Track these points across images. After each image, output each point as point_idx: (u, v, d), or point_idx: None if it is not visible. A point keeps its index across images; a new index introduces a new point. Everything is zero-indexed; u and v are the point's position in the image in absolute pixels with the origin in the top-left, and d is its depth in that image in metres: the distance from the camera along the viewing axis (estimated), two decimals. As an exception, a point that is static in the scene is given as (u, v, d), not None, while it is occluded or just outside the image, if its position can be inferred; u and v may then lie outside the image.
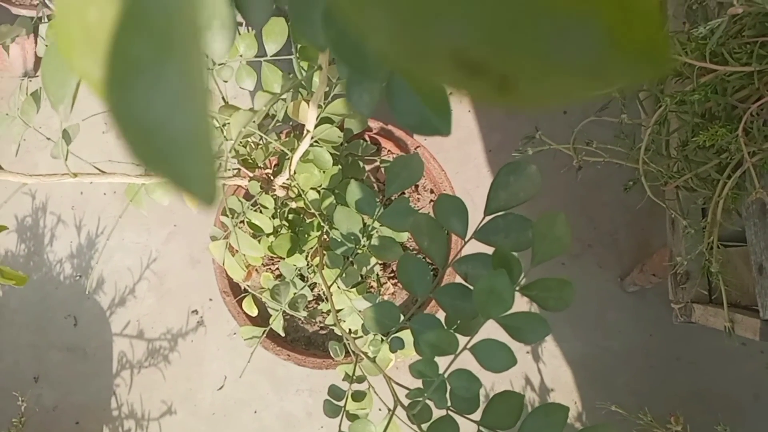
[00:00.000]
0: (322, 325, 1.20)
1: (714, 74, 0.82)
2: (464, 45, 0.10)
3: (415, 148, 1.18)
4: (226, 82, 0.78)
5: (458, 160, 1.53)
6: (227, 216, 0.77)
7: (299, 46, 0.66)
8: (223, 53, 0.40)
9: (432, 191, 1.23)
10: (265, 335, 1.11)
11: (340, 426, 0.64)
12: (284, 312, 0.88)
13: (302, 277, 1.00)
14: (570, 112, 1.54)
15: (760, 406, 1.36)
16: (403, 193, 1.23)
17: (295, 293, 0.83)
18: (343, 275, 0.82)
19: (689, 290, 0.97)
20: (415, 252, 1.18)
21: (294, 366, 1.16)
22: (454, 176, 1.53)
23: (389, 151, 1.20)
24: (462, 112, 1.58)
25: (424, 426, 0.60)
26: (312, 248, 0.93)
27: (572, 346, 1.44)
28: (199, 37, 0.13)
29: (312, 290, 1.18)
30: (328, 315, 0.97)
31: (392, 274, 1.20)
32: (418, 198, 1.23)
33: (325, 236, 0.86)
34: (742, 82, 0.80)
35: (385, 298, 1.18)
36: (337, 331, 1.00)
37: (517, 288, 0.51)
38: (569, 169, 1.32)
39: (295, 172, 0.80)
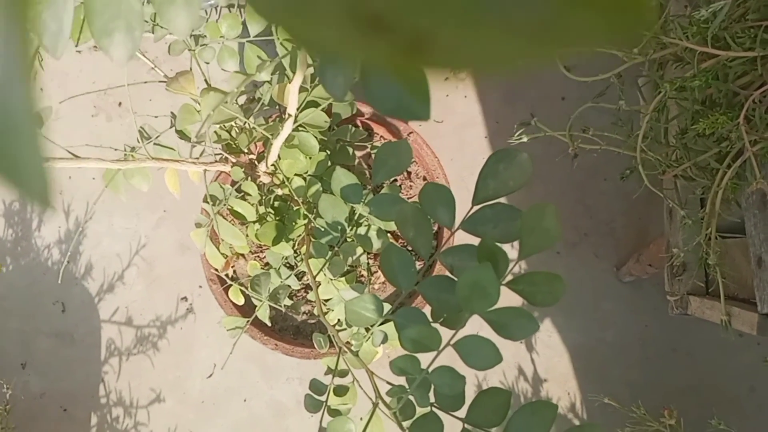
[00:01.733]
0: (311, 314, 1.18)
1: (716, 60, 0.79)
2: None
3: (408, 134, 1.15)
4: (207, 63, 0.75)
5: (454, 147, 1.50)
6: (208, 203, 0.74)
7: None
8: (186, 30, 0.37)
9: (425, 178, 1.20)
10: (251, 324, 1.09)
11: (321, 422, 0.62)
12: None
13: (289, 266, 0.97)
14: (568, 99, 1.51)
15: (757, 399, 1.34)
16: (396, 180, 1.20)
17: (274, 285, 0.80)
18: (329, 265, 0.80)
19: (686, 282, 0.95)
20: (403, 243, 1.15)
21: (284, 355, 1.13)
22: (450, 163, 1.50)
23: (381, 136, 1.17)
24: (458, 97, 1.55)
25: (407, 423, 0.58)
26: (299, 236, 0.91)
27: (567, 336, 1.42)
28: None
29: (300, 279, 1.15)
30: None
31: (383, 263, 1.17)
32: (411, 185, 1.20)
33: (312, 224, 0.83)
34: (744, 68, 0.77)
35: (376, 287, 1.15)
36: (322, 321, 0.97)
37: (504, 282, 0.48)
38: (565, 156, 1.29)
39: (279, 158, 0.78)
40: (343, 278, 1.01)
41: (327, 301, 0.99)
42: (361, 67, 0.35)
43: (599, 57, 0.96)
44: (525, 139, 1.00)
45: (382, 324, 0.65)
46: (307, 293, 1.16)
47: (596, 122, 1.00)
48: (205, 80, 0.80)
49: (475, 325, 0.53)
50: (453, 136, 1.53)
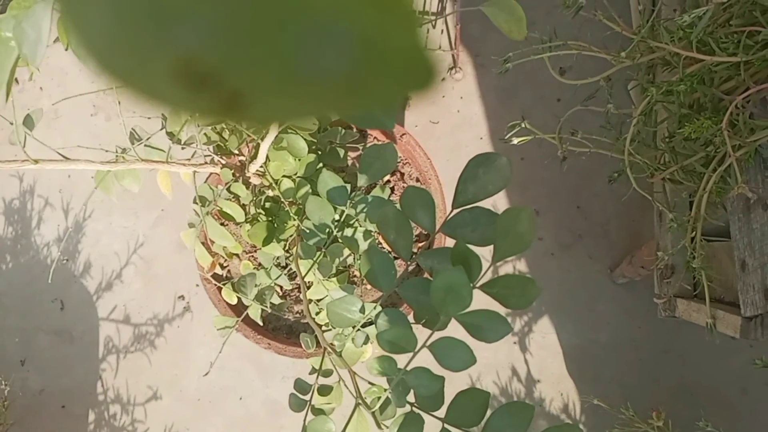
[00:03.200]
0: (303, 314, 1.19)
1: (701, 64, 0.79)
2: (194, 52, 0.08)
3: (401, 135, 1.16)
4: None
5: (449, 148, 1.51)
6: (197, 204, 0.75)
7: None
8: None
9: (418, 180, 1.21)
10: (244, 323, 1.10)
11: (304, 421, 0.63)
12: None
13: (281, 266, 0.98)
14: (564, 101, 1.51)
15: (748, 401, 1.35)
16: (389, 181, 1.21)
17: (262, 285, 0.81)
18: (318, 266, 0.81)
19: (673, 284, 0.95)
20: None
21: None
22: (444, 164, 1.51)
23: (375, 137, 1.18)
24: (455, 98, 1.55)
25: (387, 422, 0.59)
26: (291, 237, 0.92)
27: (560, 337, 1.42)
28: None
29: (293, 279, 1.16)
30: (309, 304, 0.96)
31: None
32: (404, 187, 1.21)
33: (301, 226, 0.84)
34: (729, 72, 0.78)
35: (368, 288, 1.16)
36: (308, 321, 0.98)
37: (477, 285, 0.49)
38: (555, 159, 1.29)
39: (268, 160, 0.79)
40: (334, 278, 1.02)
41: (319, 300, 1.00)
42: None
43: (591, 59, 0.97)
44: (515, 141, 1.01)
45: (365, 326, 0.66)
46: (300, 293, 1.18)
47: (590, 124, 1.01)
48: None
49: (458, 326, 0.54)
50: (449, 137, 1.54)
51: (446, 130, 1.55)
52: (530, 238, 0.51)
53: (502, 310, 0.52)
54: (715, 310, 0.85)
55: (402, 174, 1.22)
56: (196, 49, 0.08)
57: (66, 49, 0.66)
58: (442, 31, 1.57)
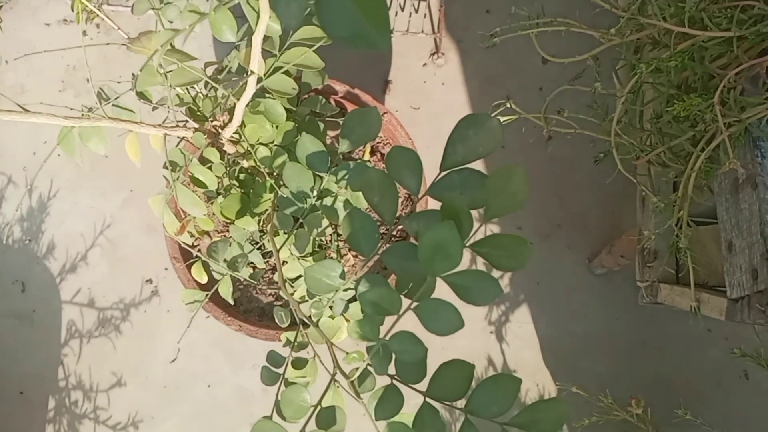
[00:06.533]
0: (277, 296, 1.15)
1: (692, 41, 0.78)
2: None
3: (383, 114, 1.13)
4: (171, 22, 0.72)
5: (430, 134, 1.48)
6: (167, 169, 0.71)
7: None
8: None
9: (398, 161, 1.18)
10: (214, 304, 1.06)
11: (277, 395, 0.59)
12: (233, 279, 0.83)
13: (254, 243, 0.94)
14: (546, 89, 1.50)
15: (722, 393, 1.34)
16: (369, 161, 1.18)
17: (233, 253, 0.77)
18: (294, 240, 0.77)
19: (656, 269, 0.94)
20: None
21: (250, 340, 1.10)
22: (425, 149, 1.48)
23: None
24: (436, 84, 1.53)
25: (366, 396, 0.55)
26: (265, 212, 0.88)
27: (537, 327, 1.41)
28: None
29: (267, 259, 1.12)
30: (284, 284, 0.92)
31: (353, 246, 1.15)
32: (383, 167, 1.18)
33: (278, 197, 0.80)
34: (720, 49, 0.76)
35: (345, 269, 1.13)
36: (282, 294, 0.95)
37: (467, 244, 0.46)
38: (540, 142, 1.28)
39: (243, 124, 0.75)
40: (310, 258, 0.98)
41: (294, 281, 0.96)
42: (316, -9, 0.33)
43: (577, 40, 0.95)
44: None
45: (347, 296, 0.62)
46: (274, 274, 1.13)
47: (575, 107, 0.99)
48: (171, 44, 0.77)
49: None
50: (430, 123, 1.51)
51: (427, 116, 1.52)
52: (523, 197, 0.48)
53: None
54: (700, 293, 0.84)
55: (382, 155, 1.19)
56: None
57: None
58: (425, 15, 1.54)
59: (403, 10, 1.51)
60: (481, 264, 1.34)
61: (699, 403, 1.32)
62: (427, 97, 1.53)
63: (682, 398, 1.23)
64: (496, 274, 1.40)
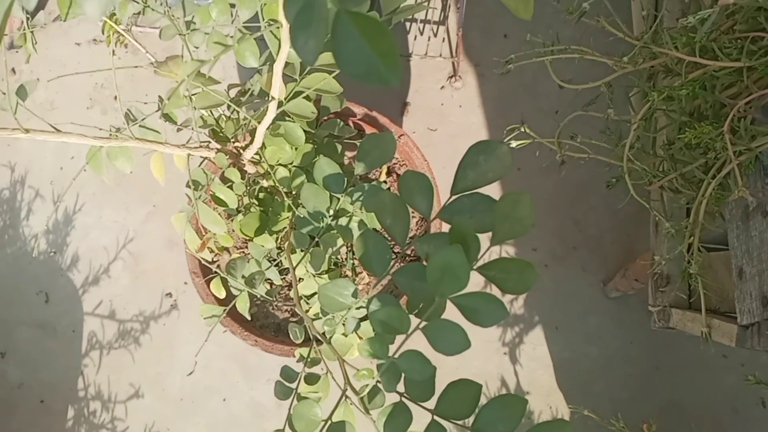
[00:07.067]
0: (292, 312, 1.17)
1: (703, 70, 0.79)
2: None
3: (399, 136, 1.15)
4: (197, 48, 0.75)
5: (446, 155, 1.50)
6: (190, 188, 0.74)
7: (263, 3, 0.63)
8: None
9: (414, 182, 1.20)
10: (231, 319, 1.08)
11: (290, 409, 0.61)
12: (250, 294, 0.85)
13: (272, 260, 0.97)
14: (562, 113, 1.51)
15: (739, 421, 1.33)
16: (385, 182, 1.20)
17: (251, 270, 0.80)
18: (310, 257, 0.79)
19: (668, 294, 0.94)
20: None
21: (266, 355, 1.12)
22: (441, 170, 1.49)
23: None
24: (453, 107, 1.55)
25: (375, 412, 0.57)
26: (283, 230, 0.90)
27: (551, 349, 1.41)
28: None
29: (283, 275, 1.15)
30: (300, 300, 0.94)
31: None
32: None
33: (295, 216, 0.83)
34: (731, 78, 0.78)
35: (360, 287, 1.15)
36: (297, 310, 0.97)
37: (475, 267, 0.48)
38: (553, 164, 1.28)
39: (264, 146, 0.78)
40: (326, 275, 1.00)
41: (309, 297, 0.98)
42: (333, 31, 0.35)
43: (592, 66, 0.96)
44: (514, 145, 1.00)
45: (359, 314, 0.64)
46: (290, 291, 1.16)
47: (588, 133, 1.00)
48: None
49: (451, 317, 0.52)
50: (446, 145, 1.53)
51: (444, 138, 1.54)
52: (530, 223, 0.50)
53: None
54: (711, 319, 0.84)
55: (398, 175, 1.21)
56: None
57: (64, 20, 0.65)
58: (444, 39, 1.57)
59: (422, 34, 1.55)
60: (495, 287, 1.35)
61: (714, 430, 1.31)
62: (444, 119, 1.55)
63: (696, 424, 1.22)
64: (509, 296, 1.41)
